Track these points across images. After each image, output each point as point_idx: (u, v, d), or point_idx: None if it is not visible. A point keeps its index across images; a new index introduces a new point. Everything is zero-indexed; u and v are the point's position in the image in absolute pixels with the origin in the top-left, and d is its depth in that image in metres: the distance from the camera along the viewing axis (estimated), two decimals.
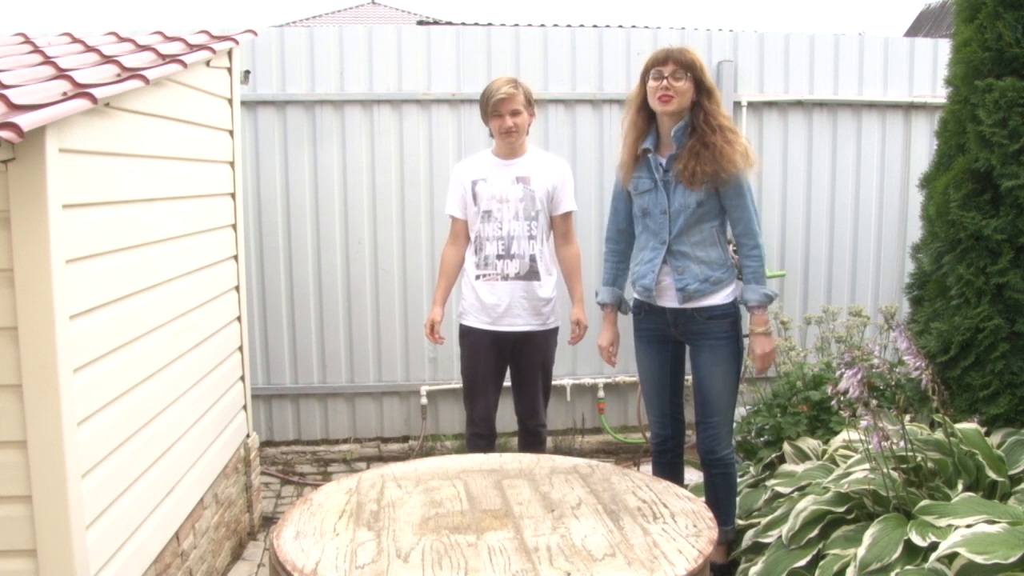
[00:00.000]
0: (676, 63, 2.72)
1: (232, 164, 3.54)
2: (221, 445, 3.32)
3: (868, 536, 2.20)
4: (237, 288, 3.59)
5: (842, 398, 2.35)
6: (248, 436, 3.73)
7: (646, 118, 2.84)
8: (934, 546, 2.05)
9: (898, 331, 2.50)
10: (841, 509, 2.43)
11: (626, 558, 1.86)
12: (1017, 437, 2.62)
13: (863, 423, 2.34)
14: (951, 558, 1.99)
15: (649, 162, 2.84)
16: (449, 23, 5.86)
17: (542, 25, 4.99)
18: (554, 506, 2.17)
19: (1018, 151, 2.74)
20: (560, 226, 3.44)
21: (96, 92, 2.07)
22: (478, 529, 2.02)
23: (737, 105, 4.65)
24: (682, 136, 2.77)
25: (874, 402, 2.33)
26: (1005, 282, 2.76)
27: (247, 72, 4.07)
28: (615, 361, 3.16)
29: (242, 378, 3.67)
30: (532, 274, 3.33)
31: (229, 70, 3.51)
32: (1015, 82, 2.75)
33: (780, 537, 2.48)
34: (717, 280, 2.81)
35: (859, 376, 2.30)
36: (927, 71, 4.77)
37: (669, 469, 3.02)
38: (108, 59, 2.57)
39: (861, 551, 2.17)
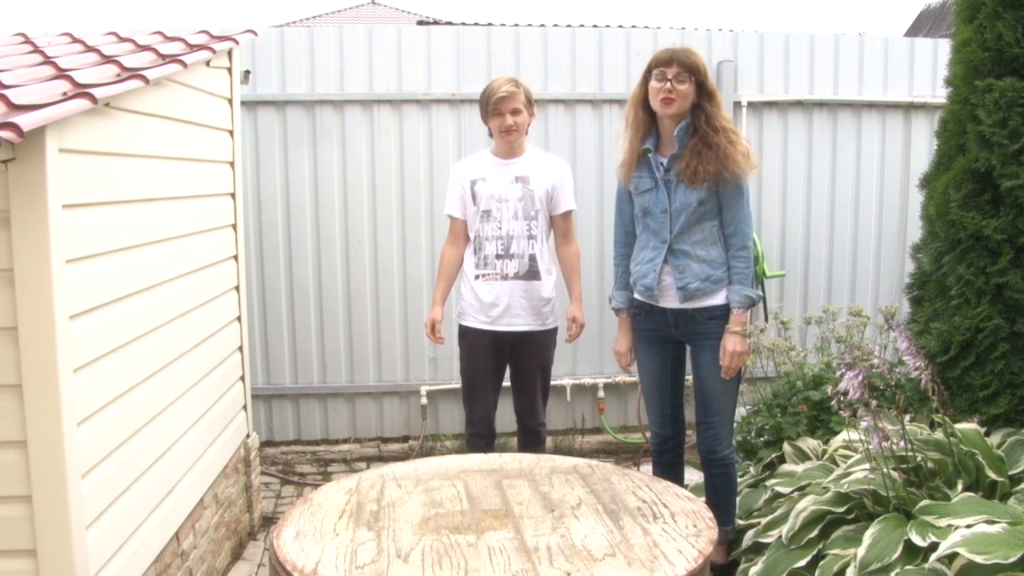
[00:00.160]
0: (680, 65, 2.70)
1: (232, 164, 3.54)
2: (221, 445, 3.32)
3: (868, 536, 2.20)
4: (237, 288, 3.59)
5: (842, 398, 2.35)
6: (248, 436, 3.73)
7: (647, 117, 2.82)
8: (934, 546, 2.05)
9: (898, 331, 2.50)
10: (841, 509, 2.43)
11: (626, 558, 1.86)
12: (1017, 437, 2.62)
13: (863, 423, 2.34)
14: (951, 558, 1.99)
15: (650, 162, 2.83)
16: (449, 23, 5.87)
17: (542, 25, 4.99)
18: (554, 506, 2.17)
19: (1018, 151, 2.74)
20: (560, 225, 3.44)
21: (96, 92, 2.07)
22: (478, 529, 2.02)
23: (737, 105, 4.65)
24: (684, 136, 2.76)
25: (874, 402, 2.32)
26: (1005, 282, 2.76)
27: (247, 72, 4.07)
28: (632, 370, 3.09)
29: (242, 378, 3.67)
30: (531, 274, 3.33)
31: (229, 70, 3.51)
32: (1015, 82, 2.75)
33: (780, 537, 2.48)
34: (718, 279, 2.80)
35: (860, 378, 2.30)
36: (927, 71, 4.76)
37: (669, 469, 3.02)
38: (108, 59, 2.57)
39: (861, 551, 2.17)
